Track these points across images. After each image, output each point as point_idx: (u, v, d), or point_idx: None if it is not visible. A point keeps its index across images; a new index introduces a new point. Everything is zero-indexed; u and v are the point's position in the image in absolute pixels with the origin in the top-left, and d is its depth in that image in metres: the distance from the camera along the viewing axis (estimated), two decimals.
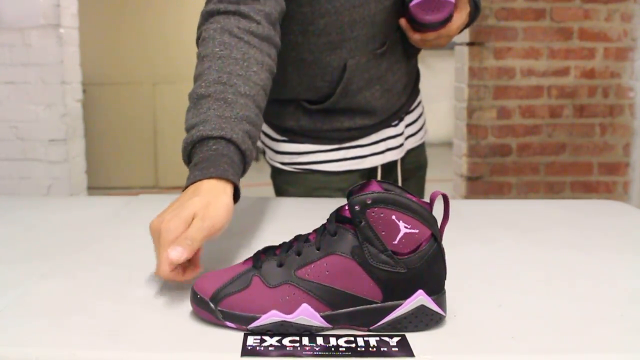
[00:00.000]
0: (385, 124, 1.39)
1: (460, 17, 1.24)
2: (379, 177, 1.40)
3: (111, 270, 0.88)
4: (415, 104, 1.47)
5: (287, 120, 1.34)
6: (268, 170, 1.48)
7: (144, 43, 5.40)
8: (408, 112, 1.44)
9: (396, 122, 1.41)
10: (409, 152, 1.45)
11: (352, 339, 0.67)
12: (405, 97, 1.41)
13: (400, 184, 1.43)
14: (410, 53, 1.38)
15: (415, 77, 1.46)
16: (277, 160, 1.38)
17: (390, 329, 0.68)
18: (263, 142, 1.43)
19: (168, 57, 5.44)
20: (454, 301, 0.73)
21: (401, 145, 1.41)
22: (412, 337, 0.67)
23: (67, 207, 1.32)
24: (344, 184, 1.35)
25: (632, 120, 3.29)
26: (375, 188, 0.69)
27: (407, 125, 1.44)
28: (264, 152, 1.45)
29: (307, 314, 0.67)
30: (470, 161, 3.26)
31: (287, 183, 1.39)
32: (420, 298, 0.68)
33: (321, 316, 0.68)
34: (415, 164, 1.49)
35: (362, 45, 1.25)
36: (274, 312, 0.67)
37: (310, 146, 1.34)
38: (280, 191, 1.42)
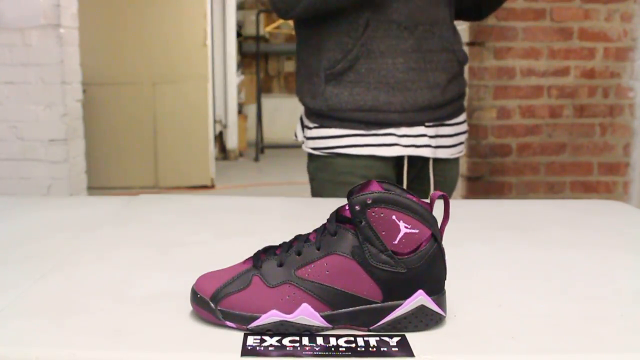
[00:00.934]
0: (414, 119, 1.39)
1: None
2: (405, 171, 1.42)
3: (111, 270, 0.88)
4: (457, 120, 1.47)
5: (317, 99, 1.40)
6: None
7: (144, 43, 5.40)
8: (444, 124, 1.44)
9: (431, 124, 1.41)
10: (437, 160, 1.45)
11: (352, 339, 0.66)
12: (442, 97, 1.41)
13: (432, 187, 1.44)
14: (452, 50, 1.41)
15: (459, 86, 1.46)
16: (310, 146, 1.47)
17: (390, 329, 0.68)
18: (303, 134, 1.51)
19: (168, 57, 5.44)
20: (454, 301, 0.73)
21: (431, 146, 1.42)
22: (412, 337, 0.67)
23: (67, 207, 1.32)
24: (369, 171, 1.39)
25: (632, 120, 3.29)
26: (375, 188, 0.69)
27: (440, 136, 1.44)
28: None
29: (307, 314, 0.67)
30: (470, 161, 3.25)
31: (317, 169, 1.47)
32: (420, 298, 0.68)
33: (321, 316, 0.68)
34: (440, 177, 1.48)
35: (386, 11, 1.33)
36: (274, 311, 0.67)
37: (337, 130, 1.41)
38: (312, 177, 1.49)
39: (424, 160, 1.44)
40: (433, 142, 1.42)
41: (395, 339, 0.66)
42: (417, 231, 0.67)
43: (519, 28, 3.19)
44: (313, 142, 1.45)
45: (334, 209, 0.72)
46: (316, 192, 1.48)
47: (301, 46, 1.46)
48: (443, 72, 1.40)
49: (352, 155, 1.40)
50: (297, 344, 0.65)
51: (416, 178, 1.46)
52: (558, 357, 0.64)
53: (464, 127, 1.52)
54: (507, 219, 1.21)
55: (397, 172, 1.44)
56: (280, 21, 7.34)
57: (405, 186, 1.43)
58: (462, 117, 1.51)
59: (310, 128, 1.46)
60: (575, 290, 0.83)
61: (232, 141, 6.96)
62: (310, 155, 1.48)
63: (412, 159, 1.43)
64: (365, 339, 0.67)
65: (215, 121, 6.20)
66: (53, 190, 3.31)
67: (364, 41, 1.34)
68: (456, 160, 1.52)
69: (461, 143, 1.51)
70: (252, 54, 7.54)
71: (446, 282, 0.71)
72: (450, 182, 1.51)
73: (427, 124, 1.41)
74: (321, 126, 1.43)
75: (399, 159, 1.43)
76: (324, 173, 1.45)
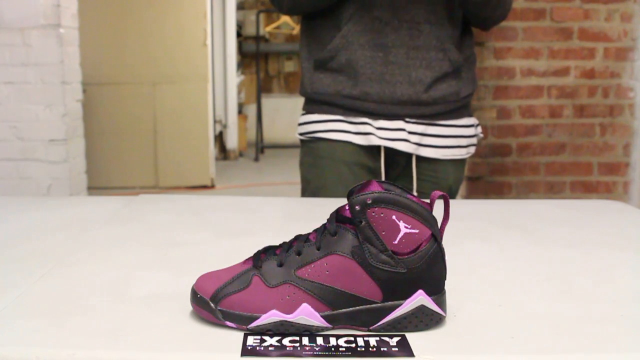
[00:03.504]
0: (393, 111, 1.41)
1: None
2: (382, 162, 1.45)
3: (111, 270, 0.88)
4: (454, 122, 1.47)
5: (305, 85, 1.50)
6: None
7: (144, 43, 5.40)
8: (434, 124, 1.45)
9: (412, 120, 1.43)
10: (423, 159, 1.46)
11: (352, 339, 0.66)
12: (425, 95, 1.41)
13: (414, 185, 1.46)
14: (443, 49, 1.41)
15: (454, 87, 1.45)
16: (298, 132, 1.55)
17: (390, 329, 0.68)
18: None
19: (168, 57, 5.44)
20: (454, 301, 0.73)
21: (410, 142, 1.43)
22: (412, 337, 0.67)
23: (67, 207, 1.32)
24: (348, 157, 1.45)
25: (632, 120, 3.29)
26: (375, 188, 0.69)
27: (427, 135, 1.45)
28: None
29: (307, 314, 0.67)
30: (470, 161, 3.25)
31: (303, 153, 1.55)
32: (420, 298, 0.68)
33: (321, 316, 0.68)
34: (430, 177, 1.48)
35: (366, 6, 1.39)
36: (274, 311, 0.67)
37: (319, 116, 1.48)
38: (300, 162, 1.55)
39: (408, 157, 1.46)
40: (414, 138, 1.44)
41: (395, 339, 0.66)
42: (417, 231, 0.67)
43: (519, 28, 3.19)
44: (300, 127, 1.53)
45: (334, 209, 0.72)
46: (302, 176, 1.55)
47: (301, 39, 1.54)
48: (428, 69, 1.41)
49: (331, 140, 1.46)
50: (297, 344, 0.65)
51: (401, 175, 1.49)
52: (558, 357, 0.64)
53: (466, 131, 1.50)
54: (507, 219, 1.21)
55: (375, 158, 1.47)
56: (280, 21, 7.34)
57: (383, 178, 1.45)
58: (465, 120, 1.50)
59: (301, 115, 1.54)
60: (575, 290, 0.83)
61: (232, 141, 6.96)
62: (300, 141, 1.56)
63: (394, 154, 1.45)
64: (365, 339, 0.67)
65: (215, 121, 6.20)
66: (53, 190, 3.31)
67: (344, 33, 1.41)
68: (453, 162, 1.50)
69: (461, 146, 1.50)
70: (252, 54, 7.54)
71: (446, 282, 0.71)
72: (444, 183, 1.49)
73: (407, 119, 1.43)
74: (307, 112, 1.51)
75: (379, 150, 1.46)
76: (308, 157, 1.52)
